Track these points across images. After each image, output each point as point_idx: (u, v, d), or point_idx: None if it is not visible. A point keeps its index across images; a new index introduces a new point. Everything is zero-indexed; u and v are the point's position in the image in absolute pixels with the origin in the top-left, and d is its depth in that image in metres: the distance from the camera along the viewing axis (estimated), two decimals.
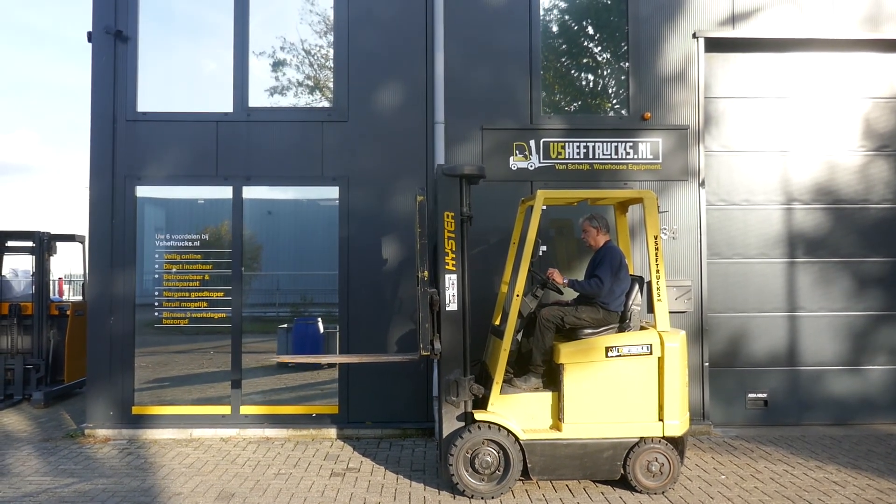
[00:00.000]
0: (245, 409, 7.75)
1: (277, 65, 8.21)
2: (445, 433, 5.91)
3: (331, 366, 7.94)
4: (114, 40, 7.81)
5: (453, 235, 5.88)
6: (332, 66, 8.03)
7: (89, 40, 7.90)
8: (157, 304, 7.84)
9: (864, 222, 8.32)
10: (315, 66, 8.39)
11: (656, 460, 5.84)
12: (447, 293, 5.86)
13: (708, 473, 6.46)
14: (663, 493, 5.88)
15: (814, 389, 8.20)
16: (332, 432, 7.70)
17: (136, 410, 7.73)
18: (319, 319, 8.11)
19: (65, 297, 17.24)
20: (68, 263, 19.87)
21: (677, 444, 5.90)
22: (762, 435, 7.75)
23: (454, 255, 5.86)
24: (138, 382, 7.79)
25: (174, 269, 7.85)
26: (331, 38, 8.07)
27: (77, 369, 9.88)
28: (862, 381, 8.24)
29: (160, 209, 8.10)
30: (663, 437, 5.84)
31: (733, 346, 8.20)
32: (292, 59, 8.23)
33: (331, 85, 8.07)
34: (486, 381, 6.05)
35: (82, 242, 10.75)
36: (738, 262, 8.22)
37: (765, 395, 8.18)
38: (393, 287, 7.80)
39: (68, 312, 10.04)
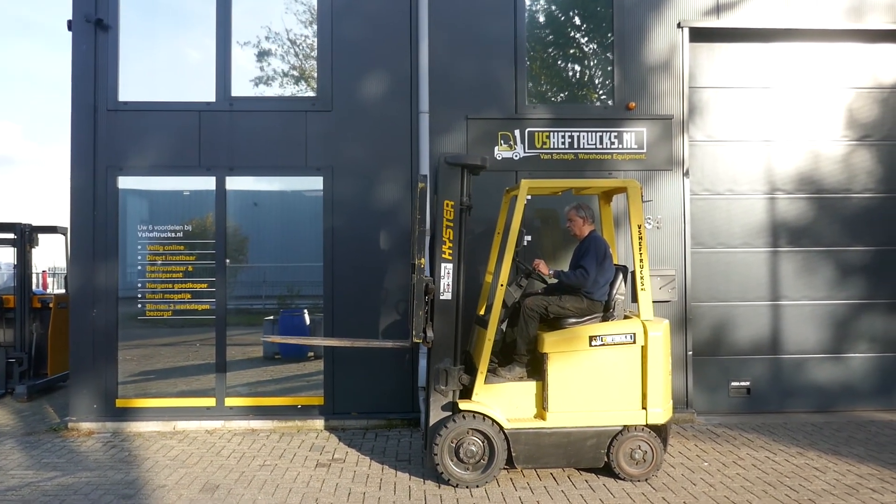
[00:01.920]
0: (230, 401, 7.72)
1: (262, 54, 8.16)
2: (431, 422, 5.92)
3: (317, 356, 7.93)
4: (94, 29, 7.73)
5: (452, 225, 5.86)
6: (317, 55, 7.98)
7: (69, 29, 7.81)
8: (140, 296, 7.80)
9: (846, 212, 8.37)
10: (300, 56, 8.34)
11: (639, 448, 5.88)
12: (442, 282, 5.85)
13: (691, 461, 6.51)
14: (646, 480, 5.92)
15: (796, 377, 8.27)
16: (318, 423, 7.69)
17: (119, 403, 7.69)
18: (305, 311, 8.09)
19: (49, 290, 17.13)
20: (52, 256, 19.71)
21: (660, 431, 5.94)
22: (745, 422, 7.81)
23: (451, 245, 5.85)
24: (122, 375, 7.75)
25: (158, 262, 7.80)
26: (316, 27, 8.02)
27: (60, 362, 9.81)
28: (843, 369, 8.32)
29: (143, 200, 8.04)
30: (647, 426, 5.87)
31: (717, 335, 8.25)
32: (277, 48, 8.18)
33: (316, 75, 8.02)
34: (470, 370, 6.06)
35: (64, 234, 10.66)
36: (721, 251, 8.26)
37: (748, 384, 8.24)
38: (379, 278, 7.78)
39: (51, 305, 9.95)
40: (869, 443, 7.04)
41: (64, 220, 8.98)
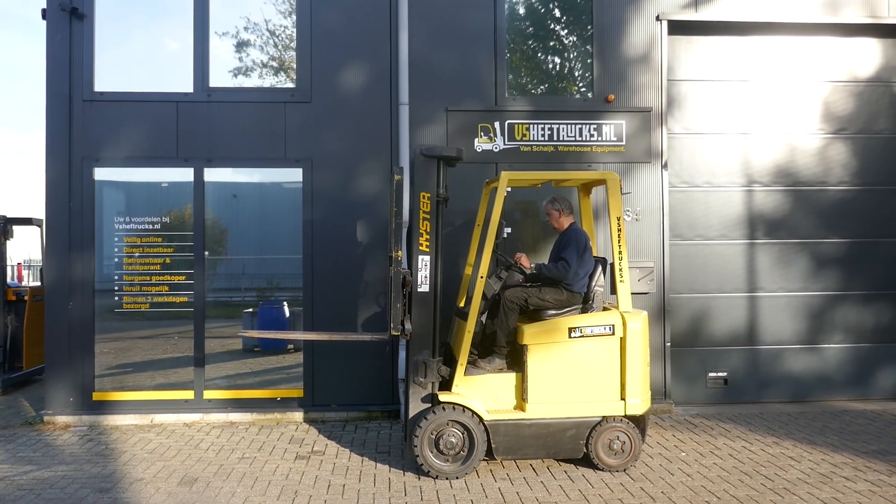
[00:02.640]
0: (209, 394, 7.68)
1: (241, 45, 8.08)
2: (411, 414, 5.92)
3: (297, 349, 7.91)
4: (69, 18, 7.61)
5: (428, 217, 5.85)
6: (296, 46, 7.92)
7: (44, 17, 7.69)
8: (117, 288, 7.72)
9: (822, 204, 8.47)
10: (279, 47, 8.28)
11: (618, 439, 5.92)
12: (420, 274, 5.85)
13: (669, 451, 6.57)
14: (625, 470, 5.97)
15: (772, 368, 8.37)
16: (298, 416, 7.68)
17: (96, 396, 7.63)
18: (285, 303, 8.06)
19: (24, 283, 16.91)
20: (28, 248, 19.46)
21: (639, 422, 5.99)
22: (722, 413, 7.89)
23: (428, 237, 5.85)
24: (99, 368, 7.67)
25: (136, 254, 7.73)
26: (295, 18, 7.96)
27: (36, 356, 9.69)
28: (818, 360, 8.43)
29: (119, 192, 7.96)
30: (625, 416, 5.92)
31: (694, 327, 8.33)
32: (256, 39, 8.11)
33: (295, 66, 7.97)
34: (450, 362, 6.07)
35: (40, 226, 10.51)
36: (699, 243, 8.33)
37: (725, 374, 8.33)
38: (358, 270, 7.76)
39: (26, 298, 9.83)
40: (843, 432, 7.14)
41: (40, 212, 8.86)
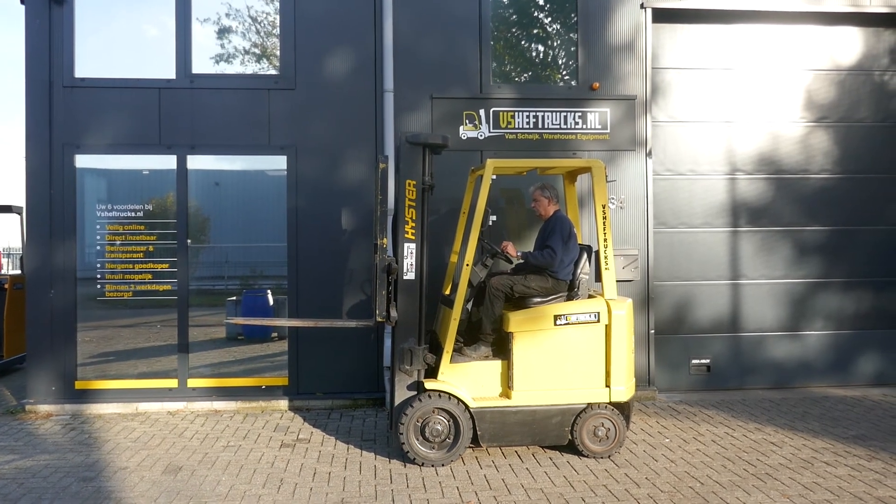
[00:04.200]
0: (193, 382, 7.65)
1: (223, 32, 7.99)
2: (397, 402, 5.93)
3: (281, 336, 7.88)
4: (48, 3, 7.49)
5: (414, 204, 5.84)
6: (279, 33, 7.85)
7: (22, 2, 7.57)
8: (99, 276, 7.65)
9: (804, 192, 8.54)
10: (262, 34, 8.20)
11: (603, 425, 5.96)
12: (405, 262, 5.84)
13: (653, 437, 6.63)
14: (609, 457, 6.02)
15: (755, 355, 8.45)
16: (283, 404, 7.66)
17: (79, 385, 7.57)
18: (269, 291, 8.03)
19: (4, 271, 16.73)
20: (7, 236, 19.25)
21: (623, 409, 6.04)
22: (705, 399, 7.96)
23: (414, 225, 5.84)
24: (81, 357, 7.62)
25: (118, 242, 7.66)
26: (278, 4, 7.88)
27: (17, 344, 9.61)
28: (800, 346, 8.52)
29: (101, 179, 7.88)
30: (610, 403, 5.96)
31: (678, 314, 8.39)
32: (238, 26, 8.02)
33: (278, 53, 7.90)
34: (436, 350, 6.08)
35: (20, 214, 10.40)
36: (683, 231, 8.37)
37: (708, 361, 8.40)
38: (343, 258, 7.74)
39: (6, 286, 9.72)
40: (823, 418, 7.23)
41: (20, 199, 8.76)
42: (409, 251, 5.85)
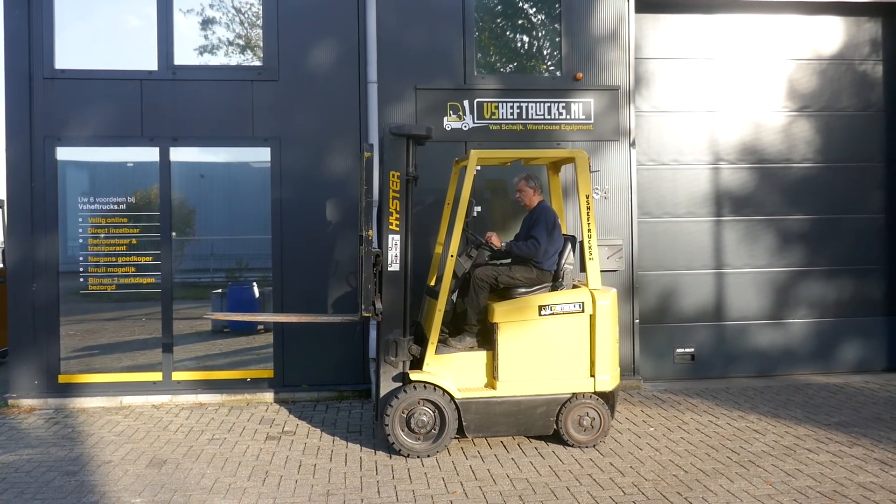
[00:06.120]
0: (177, 376, 7.62)
1: (206, 23, 7.93)
2: (382, 393, 5.93)
3: (267, 329, 7.86)
4: None
5: (398, 195, 5.83)
6: (262, 24, 7.79)
7: None
8: (82, 269, 7.60)
9: (786, 181, 8.59)
10: (245, 25, 8.14)
11: (588, 415, 5.99)
12: (390, 253, 5.84)
13: (637, 426, 6.67)
14: (594, 446, 6.05)
15: (738, 343, 8.52)
16: (268, 396, 7.65)
17: (62, 379, 7.52)
18: (255, 284, 8.00)
19: None
20: None
21: (608, 398, 6.06)
22: (689, 388, 8.02)
23: (398, 216, 5.83)
24: (65, 351, 7.56)
25: (101, 235, 7.60)
26: None
27: None
28: (783, 334, 8.59)
29: (83, 171, 7.82)
30: (595, 393, 5.99)
31: (662, 303, 8.43)
32: (221, 16, 7.96)
33: (262, 44, 7.84)
34: (421, 341, 6.08)
35: (1, 207, 10.29)
36: (667, 221, 8.41)
37: (692, 350, 8.45)
38: (328, 250, 7.72)
39: None
40: (806, 405, 7.30)
41: (0, 192, 8.67)
42: (394, 242, 5.84)
